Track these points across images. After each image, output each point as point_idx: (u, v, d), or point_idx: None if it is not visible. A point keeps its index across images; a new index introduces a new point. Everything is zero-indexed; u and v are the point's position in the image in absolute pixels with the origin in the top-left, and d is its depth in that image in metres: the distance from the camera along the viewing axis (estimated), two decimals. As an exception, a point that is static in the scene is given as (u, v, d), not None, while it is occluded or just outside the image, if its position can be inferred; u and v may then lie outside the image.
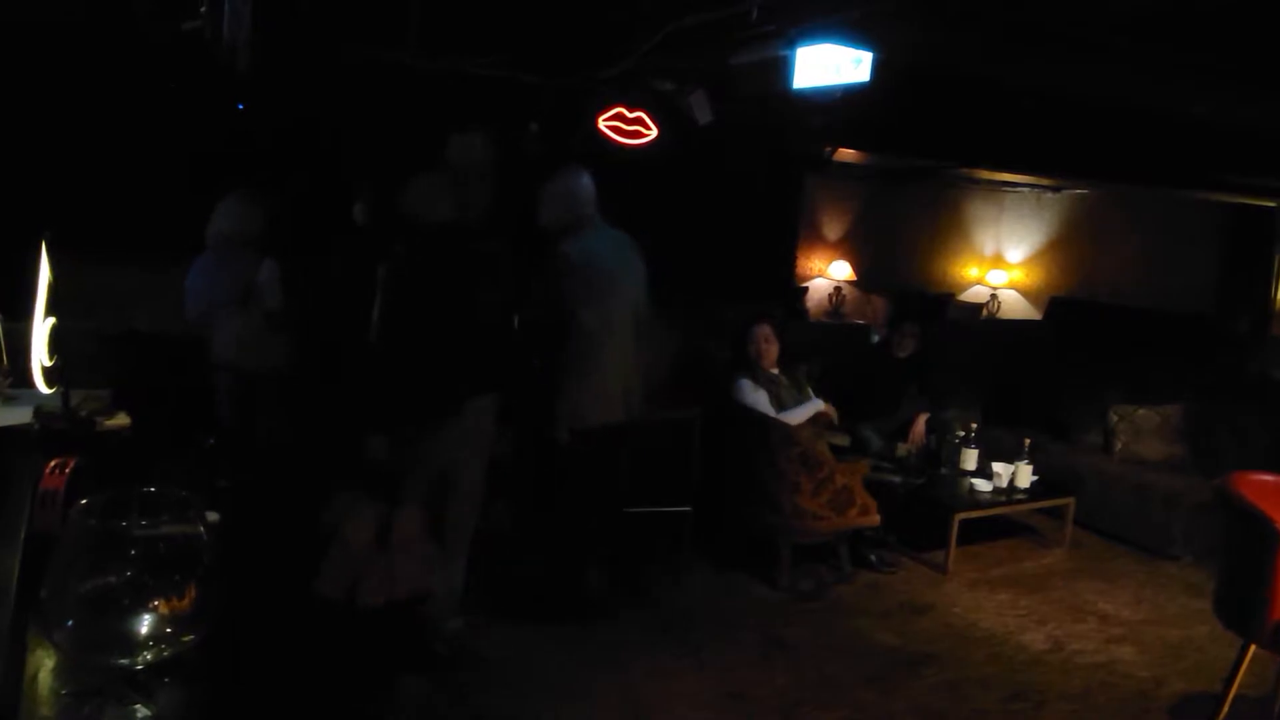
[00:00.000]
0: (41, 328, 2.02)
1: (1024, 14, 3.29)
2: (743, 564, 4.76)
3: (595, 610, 4.09)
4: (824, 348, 5.99)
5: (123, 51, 3.34)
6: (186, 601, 1.33)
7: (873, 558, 4.90)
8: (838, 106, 4.10)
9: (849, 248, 11.01)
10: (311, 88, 3.58)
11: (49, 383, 2.07)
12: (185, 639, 1.32)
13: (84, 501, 1.32)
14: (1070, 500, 5.49)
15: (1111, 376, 6.50)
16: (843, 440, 5.49)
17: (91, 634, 1.29)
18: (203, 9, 1.87)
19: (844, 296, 10.96)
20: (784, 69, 3.56)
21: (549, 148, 4.78)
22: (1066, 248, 10.46)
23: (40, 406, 2.20)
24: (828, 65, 3.46)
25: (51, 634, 1.27)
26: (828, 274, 10.78)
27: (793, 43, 3.48)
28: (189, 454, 2.73)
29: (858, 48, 3.43)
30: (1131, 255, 9.43)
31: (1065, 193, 10.21)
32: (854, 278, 10.89)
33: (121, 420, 2.30)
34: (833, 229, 10.88)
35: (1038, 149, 6.12)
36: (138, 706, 1.34)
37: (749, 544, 4.77)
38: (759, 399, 4.58)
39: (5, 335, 2.32)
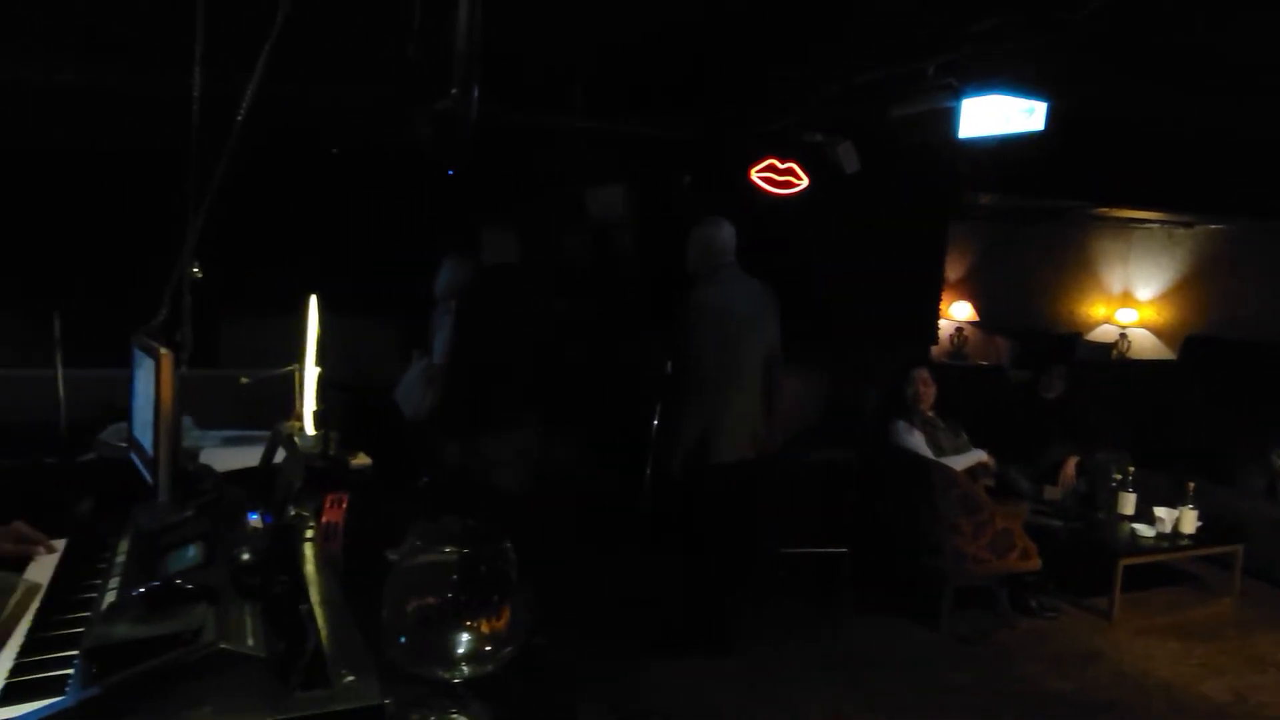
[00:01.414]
0: (311, 375, 2.24)
1: (1200, 61, 3.29)
2: (901, 607, 4.72)
3: (730, 647, 4.14)
4: (957, 390, 5.93)
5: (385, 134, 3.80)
6: (502, 622, 1.48)
7: (1033, 603, 4.79)
8: (989, 153, 4.15)
9: (970, 288, 10.86)
10: (495, 151, 3.85)
11: (316, 426, 2.28)
12: (500, 655, 1.46)
13: (417, 530, 1.49)
14: (1239, 547, 5.25)
15: (1269, 417, 6.21)
16: (988, 482, 5.41)
17: (419, 649, 1.44)
18: (453, 91, 2.10)
19: (966, 337, 10.78)
20: (949, 120, 3.64)
21: (701, 199, 4.96)
22: (1201, 284, 10.04)
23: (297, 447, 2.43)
24: (997, 115, 3.52)
25: (387, 649, 1.43)
26: (949, 314, 10.64)
27: (959, 94, 3.56)
28: (409, 491, 2.94)
29: (1031, 98, 3.48)
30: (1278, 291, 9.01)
31: (1199, 228, 9.85)
32: (976, 318, 10.71)
33: (363, 460, 2.51)
34: (954, 269, 10.75)
35: (1189, 186, 5.99)
36: (454, 715, 1.49)
37: (907, 587, 4.74)
38: (917, 441, 4.59)
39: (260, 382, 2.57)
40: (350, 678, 1.28)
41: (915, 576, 4.66)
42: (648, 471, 4.83)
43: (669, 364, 4.41)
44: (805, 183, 5.22)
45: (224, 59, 2.10)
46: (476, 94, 2.10)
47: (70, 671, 1.45)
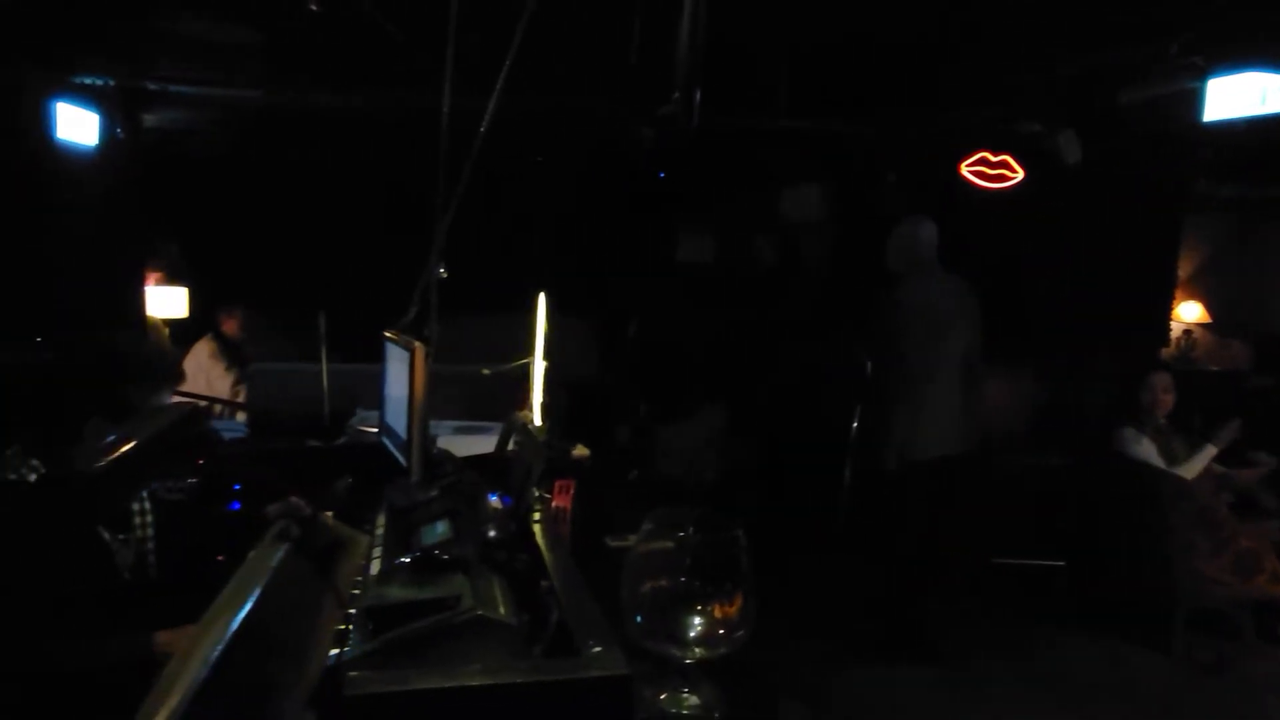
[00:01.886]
0: (539, 369, 2.39)
1: None
2: (1124, 627, 4.39)
3: (936, 656, 4.02)
4: (1188, 397, 5.44)
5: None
6: (734, 608, 1.53)
7: (1284, 632, 4.33)
8: (1235, 136, 3.79)
9: (1201, 287, 9.89)
10: (701, 154, 3.96)
11: (542, 417, 2.43)
12: (732, 639, 1.51)
13: (654, 515, 1.57)
14: None
15: None
16: (1229, 498, 4.93)
17: (655, 628, 1.52)
18: (675, 95, 2.18)
19: (1195, 340, 9.84)
20: (1189, 102, 3.35)
21: (906, 196, 4.85)
22: None
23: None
24: (1250, 94, 3.19)
25: (624, 627, 1.51)
26: (1177, 316, 9.75)
27: (1205, 73, 3.27)
28: (620, 483, 3.06)
29: (1292, 75, 3.13)
30: None
31: None
32: (1207, 319, 9.75)
33: (583, 451, 2.64)
34: (1181, 267, 9.84)
35: None
36: (685, 694, 1.55)
37: (1130, 606, 4.40)
38: (1147, 450, 4.26)
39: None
40: (598, 648, 1.36)
41: (1142, 595, 4.32)
42: (846, 472, 4.79)
43: (869, 364, 4.39)
44: (1020, 176, 4.99)
45: (463, 79, 2.28)
46: (698, 98, 2.17)
47: (348, 627, 1.64)
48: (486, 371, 2.61)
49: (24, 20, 3.38)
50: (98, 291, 4.27)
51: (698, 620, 1.53)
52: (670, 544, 1.56)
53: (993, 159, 4.90)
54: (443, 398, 3.47)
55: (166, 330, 6.63)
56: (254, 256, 5.82)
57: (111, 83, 3.92)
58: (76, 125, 3.97)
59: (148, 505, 2.07)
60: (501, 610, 1.54)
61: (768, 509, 4.51)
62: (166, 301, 6.58)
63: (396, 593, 1.59)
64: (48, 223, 3.83)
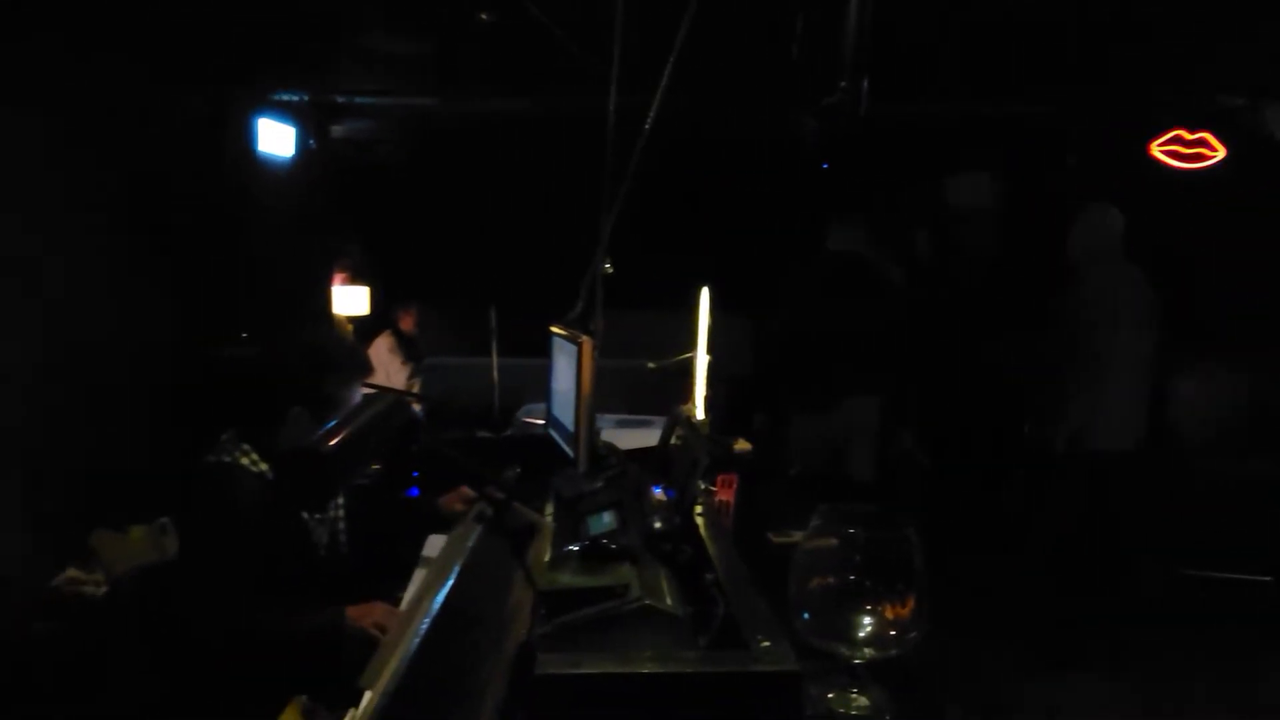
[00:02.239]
0: (703, 363, 2.40)
1: None
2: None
3: (1122, 667, 3.77)
4: None
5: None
6: (906, 609, 1.49)
7: None
8: None
9: None
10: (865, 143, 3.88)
11: (705, 411, 2.44)
12: (903, 641, 1.47)
13: (822, 511, 1.55)
14: None
15: None
16: None
17: (823, 626, 1.49)
18: (842, 84, 2.14)
19: None
20: None
21: (1088, 181, 4.57)
22: None
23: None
24: None
25: (791, 622, 1.50)
26: None
27: None
28: (778, 481, 3.03)
29: None
30: None
31: None
32: None
33: (745, 445, 2.63)
34: None
35: None
36: (854, 694, 1.52)
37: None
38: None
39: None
40: (767, 643, 1.36)
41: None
42: (1016, 467, 4.56)
43: (1045, 354, 4.20)
44: (1220, 154, 4.59)
45: (627, 78, 2.33)
46: (866, 86, 2.12)
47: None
48: (652, 365, 2.65)
49: (228, 45, 3.71)
50: (294, 290, 4.64)
51: (867, 620, 1.50)
52: (838, 541, 1.53)
53: (1189, 137, 4.52)
54: (607, 391, 3.56)
55: (350, 326, 7.13)
56: (428, 256, 6.15)
57: (305, 98, 4.24)
58: (276, 138, 4.33)
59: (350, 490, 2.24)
60: (668, 601, 1.57)
61: (932, 505, 4.36)
62: (350, 299, 7.07)
63: (567, 579, 1.64)
64: (252, 229, 4.20)
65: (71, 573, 2.34)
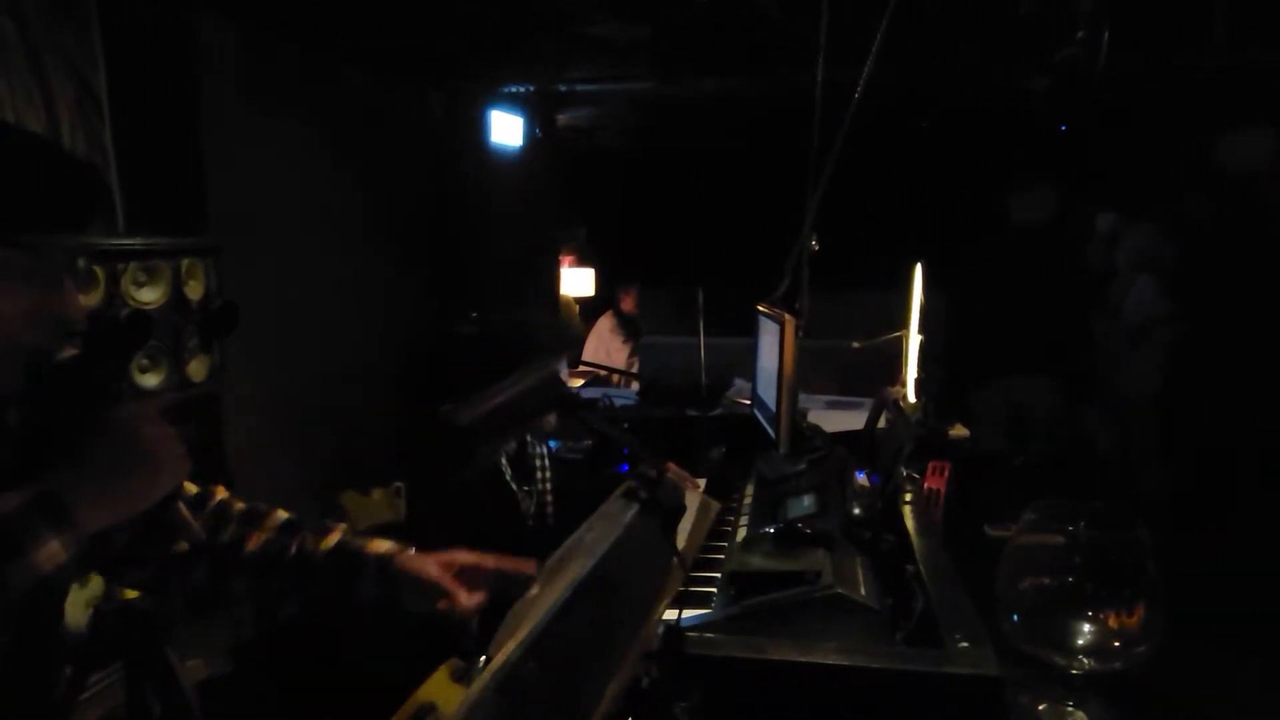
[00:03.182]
0: (914, 343, 2.27)
1: None
2: None
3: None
4: None
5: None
6: (1134, 618, 1.33)
7: None
8: None
9: None
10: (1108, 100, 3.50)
11: (917, 394, 2.31)
12: (1130, 654, 1.32)
13: (1038, 505, 1.42)
14: None
15: None
16: None
17: (1034, 631, 1.36)
18: (1079, 34, 1.93)
19: None
20: None
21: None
22: None
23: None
24: None
25: (999, 623, 1.38)
26: None
27: None
28: (1004, 469, 2.82)
29: None
30: None
31: None
32: None
33: (962, 431, 2.46)
34: None
35: None
36: (1070, 708, 1.38)
37: None
38: None
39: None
40: (965, 643, 1.27)
41: None
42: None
43: None
44: None
45: (838, 49, 2.23)
46: (1107, 36, 1.90)
47: (714, 590, 1.70)
48: (856, 345, 2.55)
49: (459, 42, 3.96)
50: (522, 274, 4.90)
51: (1087, 627, 1.35)
52: (1058, 538, 1.39)
53: None
54: (815, 372, 3.47)
55: (576, 307, 7.43)
56: (647, 237, 6.28)
57: (532, 88, 4.44)
58: (506, 129, 4.57)
59: (548, 462, 2.33)
60: (862, 591, 1.50)
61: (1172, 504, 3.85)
62: (577, 281, 7.37)
63: (758, 562, 1.62)
64: (485, 216, 4.47)
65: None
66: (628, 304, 6.24)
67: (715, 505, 0.98)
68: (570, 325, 2.17)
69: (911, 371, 2.24)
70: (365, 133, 3.63)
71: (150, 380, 1.88)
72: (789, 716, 1.23)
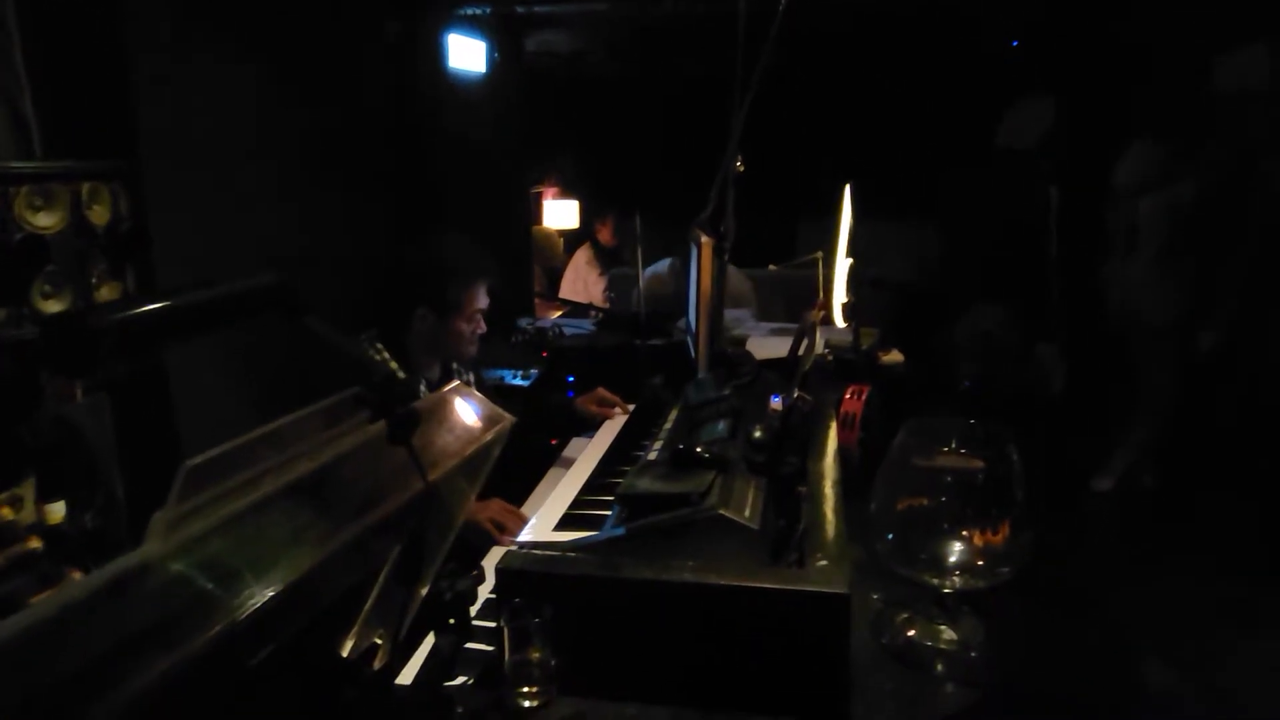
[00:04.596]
0: (843, 267, 2.23)
1: None
2: None
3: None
4: None
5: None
6: (1000, 537, 1.32)
7: None
8: None
9: None
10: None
11: (845, 319, 2.28)
12: (997, 573, 1.31)
13: (911, 425, 1.40)
14: None
15: None
16: None
17: (907, 551, 1.36)
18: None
19: None
20: None
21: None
22: None
23: (829, 340, 2.47)
24: None
25: (874, 543, 1.38)
26: None
27: None
28: (948, 397, 2.80)
29: None
30: None
31: None
32: None
33: (896, 357, 2.44)
34: None
35: None
36: (942, 628, 1.38)
37: None
38: None
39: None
40: (824, 562, 1.26)
41: None
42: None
43: None
44: None
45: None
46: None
47: (608, 513, 1.70)
48: (773, 268, 2.50)
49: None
50: (489, 204, 4.83)
51: (958, 546, 1.35)
52: (931, 458, 1.38)
53: None
54: (769, 300, 3.44)
55: (560, 240, 7.35)
56: (626, 166, 6.16)
57: (489, 10, 4.31)
58: (466, 54, 4.45)
59: (490, 390, 2.32)
60: (746, 513, 1.49)
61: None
62: (560, 213, 7.27)
63: (647, 484, 1.61)
64: (450, 145, 4.38)
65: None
66: (604, 235, 6.16)
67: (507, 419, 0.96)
68: (488, 255, 2.13)
69: (839, 295, 2.20)
70: (316, 58, 3.54)
71: (54, 306, 1.87)
72: (643, 634, 1.24)
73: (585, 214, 6.97)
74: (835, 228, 2.21)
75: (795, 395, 1.62)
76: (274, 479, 0.61)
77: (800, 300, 3.14)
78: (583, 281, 5.92)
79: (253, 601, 0.54)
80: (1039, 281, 3.75)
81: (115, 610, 0.50)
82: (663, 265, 4.31)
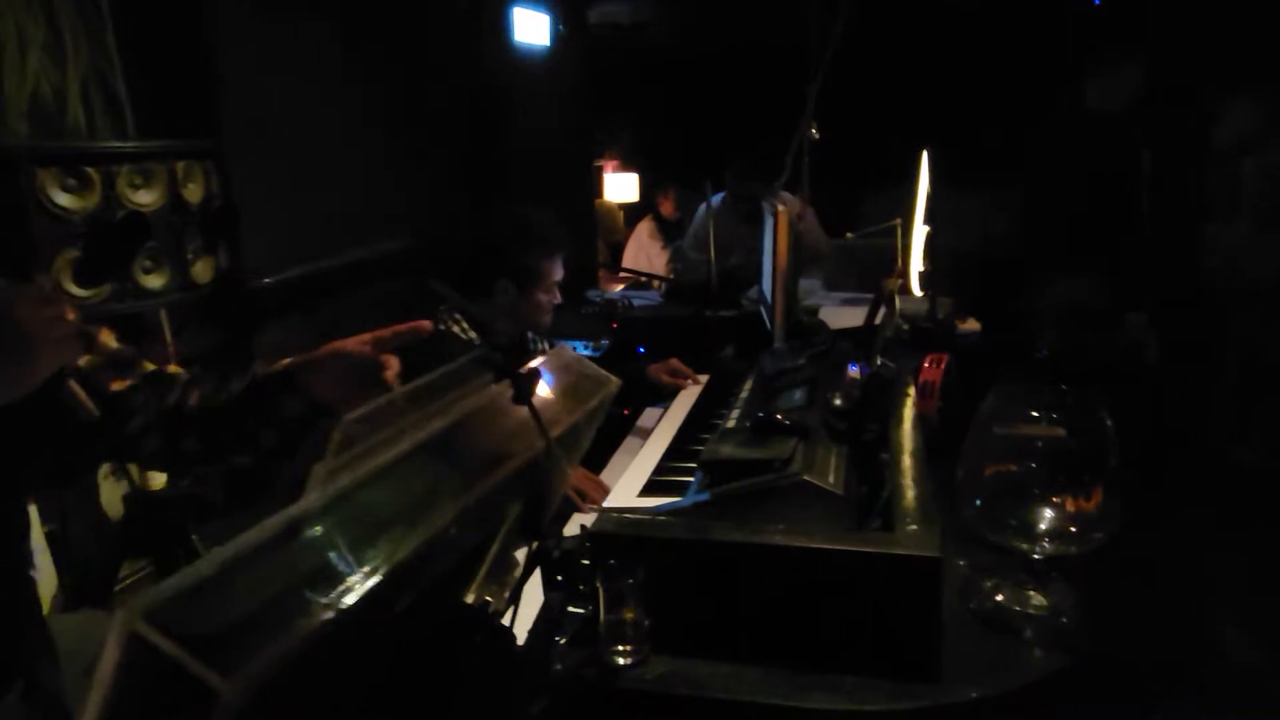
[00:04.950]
0: (919, 235, 2.21)
1: None
2: None
3: None
4: None
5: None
6: (1092, 503, 1.31)
7: None
8: None
9: None
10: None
11: (922, 287, 2.26)
12: (1089, 539, 1.30)
13: (1000, 391, 1.39)
14: None
15: None
16: None
17: (996, 516, 1.35)
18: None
19: None
20: None
21: None
22: None
23: (902, 309, 2.45)
24: None
25: (961, 509, 1.38)
26: None
27: None
28: (1025, 365, 2.75)
29: None
30: None
31: None
32: None
33: (973, 325, 2.41)
34: None
35: None
36: (1031, 593, 1.38)
37: None
38: None
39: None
40: (913, 526, 1.26)
41: None
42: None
43: None
44: None
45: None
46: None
47: (691, 479, 1.73)
48: (850, 236, 2.48)
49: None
50: (554, 178, 4.86)
51: (1048, 513, 1.34)
52: (1021, 424, 1.37)
53: None
54: (841, 270, 3.41)
55: (620, 213, 7.37)
56: (688, 138, 6.14)
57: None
58: (531, 26, 4.47)
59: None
60: (830, 479, 1.50)
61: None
62: (620, 186, 7.29)
63: (730, 450, 1.63)
64: (514, 118, 4.41)
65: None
66: (666, 208, 6.16)
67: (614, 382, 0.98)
68: (560, 226, 2.15)
69: (916, 264, 2.18)
70: (388, 31, 3.59)
71: (154, 282, 1.95)
72: (734, 596, 1.26)
73: (645, 187, 6.97)
74: (912, 194, 2.19)
75: (879, 363, 1.62)
76: (412, 435, 0.64)
77: (871, 269, 3.12)
78: (645, 254, 5.94)
79: (401, 550, 0.57)
80: (1129, 247, 3.64)
81: (286, 556, 0.53)
82: (715, 200, 4.31)
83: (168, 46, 2.52)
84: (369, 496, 0.60)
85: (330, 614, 0.54)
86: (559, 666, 1.21)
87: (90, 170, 1.80)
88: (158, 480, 2.24)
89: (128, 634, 0.43)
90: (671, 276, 4.99)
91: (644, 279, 4.85)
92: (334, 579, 0.56)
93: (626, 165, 7.34)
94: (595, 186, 6.95)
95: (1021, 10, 4.04)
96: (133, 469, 2.32)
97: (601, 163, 7.17)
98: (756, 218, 3.06)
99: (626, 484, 1.90)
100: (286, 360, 1.24)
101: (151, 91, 2.48)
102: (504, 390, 0.73)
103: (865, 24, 2.09)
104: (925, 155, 2.16)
